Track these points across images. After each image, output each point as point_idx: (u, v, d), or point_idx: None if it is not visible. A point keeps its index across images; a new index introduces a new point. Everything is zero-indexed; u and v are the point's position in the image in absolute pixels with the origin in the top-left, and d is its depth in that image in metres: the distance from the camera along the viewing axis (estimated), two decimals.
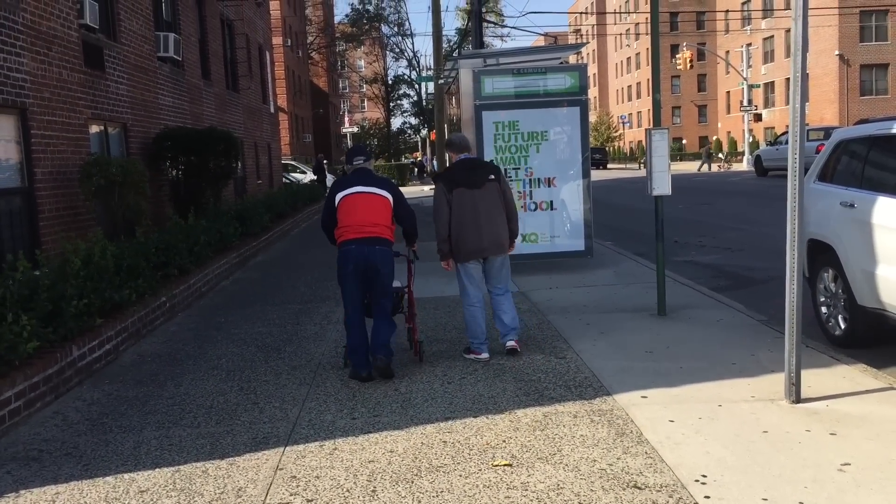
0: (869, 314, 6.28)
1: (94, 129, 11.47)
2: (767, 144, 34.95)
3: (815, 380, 5.48)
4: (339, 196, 6.18)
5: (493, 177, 6.53)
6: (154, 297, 8.22)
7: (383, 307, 6.20)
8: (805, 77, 5.05)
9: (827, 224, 6.74)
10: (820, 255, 6.94)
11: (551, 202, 10.54)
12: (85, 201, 10.02)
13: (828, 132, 29.11)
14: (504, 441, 4.65)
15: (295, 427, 5.06)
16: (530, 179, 10.48)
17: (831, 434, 4.57)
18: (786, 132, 32.56)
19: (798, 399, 5.11)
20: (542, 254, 10.63)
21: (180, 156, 13.46)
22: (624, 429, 4.76)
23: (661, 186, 7.64)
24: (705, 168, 46.94)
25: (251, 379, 6.22)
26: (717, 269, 11.00)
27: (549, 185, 10.52)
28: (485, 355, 6.45)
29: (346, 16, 70.65)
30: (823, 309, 7.05)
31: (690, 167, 55.41)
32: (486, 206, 6.43)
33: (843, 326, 6.76)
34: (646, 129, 7.68)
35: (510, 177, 10.41)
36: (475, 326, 6.50)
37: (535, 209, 10.52)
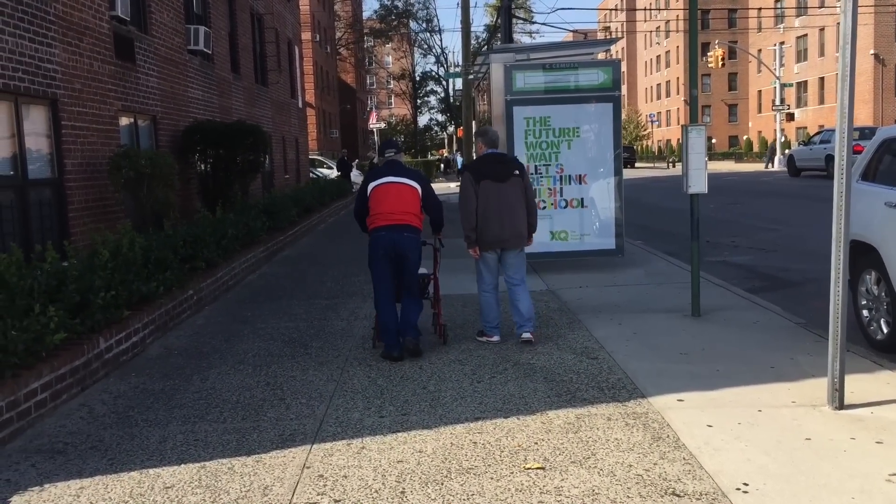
0: None
1: (124, 121, 11.48)
2: (800, 144, 34.36)
3: (857, 386, 5.29)
4: (371, 185, 6.60)
5: (517, 172, 6.84)
6: (181, 290, 8.18)
7: (411, 290, 6.63)
8: (853, 73, 4.86)
9: (870, 224, 6.53)
10: (862, 256, 6.72)
11: (582, 200, 10.38)
12: (114, 193, 10.02)
13: (863, 132, 28.60)
14: (536, 443, 4.52)
15: (322, 424, 4.97)
16: (561, 176, 10.32)
17: (878, 442, 4.40)
18: (819, 132, 32.09)
19: (841, 405, 4.93)
20: (572, 252, 10.46)
21: (209, 149, 13.47)
22: (660, 433, 4.61)
23: (697, 184, 7.45)
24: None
25: (277, 374, 6.14)
26: (750, 270, 10.77)
27: (580, 183, 10.35)
28: (496, 338, 6.88)
29: (375, 12, 70.66)
30: (865, 312, 6.83)
31: (721, 166, 54.78)
32: (509, 200, 6.73)
33: (885, 331, 6.54)
34: (682, 125, 7.50)
35: (540, 173, 10.26)
36: (489, 311, 6.90)
37: (566, 206, 10.36)
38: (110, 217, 10.13)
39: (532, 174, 10.20)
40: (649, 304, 8.33)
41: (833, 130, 29.47)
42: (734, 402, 5.11)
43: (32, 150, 8.89)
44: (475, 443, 4.56)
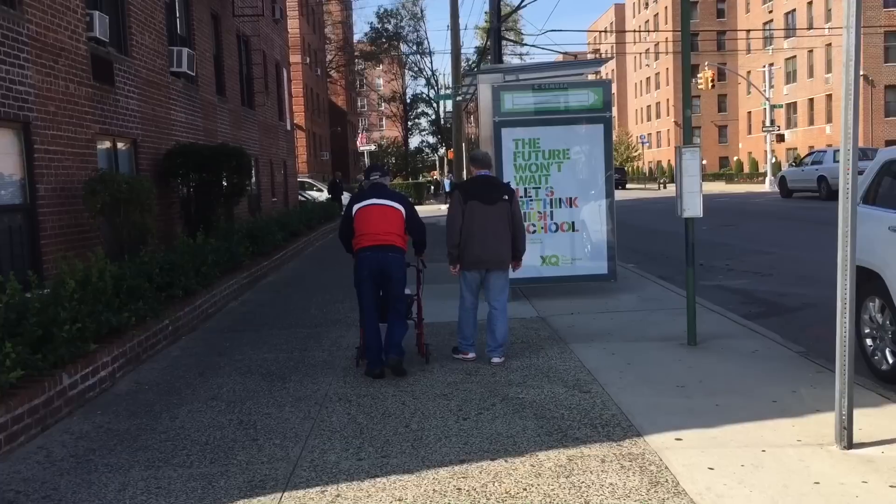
0: None
1: (103, 144, 11.17)
2: (792, 165, 34.25)
3: (865, 421, 4.98)
4: (356, 207, 6.80)
5: (506, 197, 6.96)
6: (156, 321, 7.83)
7: (396, 309, 6.76)
8: (857, 92, 4.59)
9: (873, 249, 6.25)
10: (864, 282, 6.42)
11: (573, 223, 10.09)
12: (90, 219, 9.68)
13: (864, 152, 28.47)
14: (525, 489, 4.19)
15: (295, 469, 4.62)
16: (551, 199, 10.03)
17: (891, 486, 4.09)
18: (810, 153, 32.00)
19: (850, 444, 4.62)
20: (563, 277, 10.16)
21: (191, 172, 13.15)
22: (658, 477, 4.29)
23: (692, 208, 7.17)
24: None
25: (252, 411, 5.79)
26: (746, 295, 10.48)
27: (571, 206, 10.07)
28: (471, 355, 7.02)
29: (366, 34, 70.84)
30: (868, 341, 6.53)
31: (712, 187, 54.71)
32: (494, 223, 6.86)
33: (891, 360, 6.25)
34: (676, 147, 7.23)
35: (530, 196, 9.98)
36: (466, 328, 7.07)
37: (556, 230, 10.07)
38: (86, 244, 9.78)
39: (522, 197, 9.92)
40: (643, 332, 8.03)
41: (825, 151, 29.43)
42: (736, 441, 4.79)
43: (3, 174, 8.58)
44: (460, 489, 4.23)
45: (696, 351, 7.16)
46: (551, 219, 10.06)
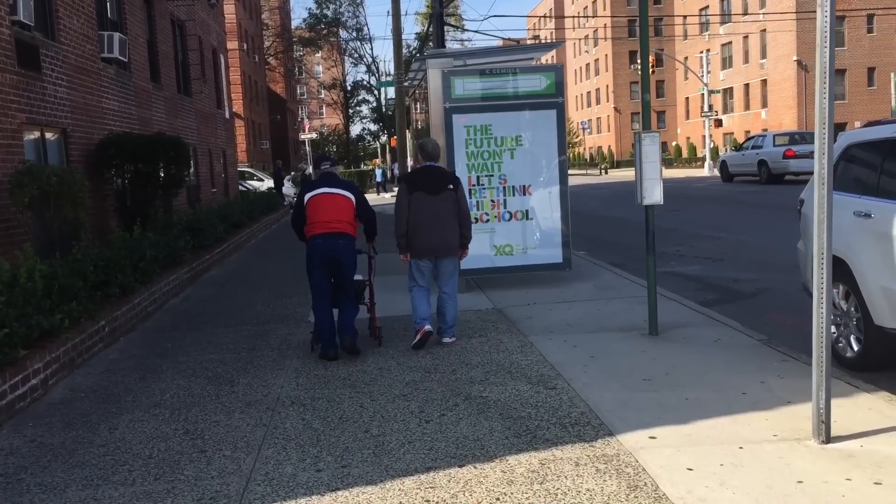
0: (889, 336, 5.68)
1: (30, 134, 10.53)
2: (733, 150, 34.71)
3: (838, 412, 4.83)
4: (307, 196, 7.00)
5: (451, 186, 7.13)
6: (91, 322, 7.36)
7: (347, 293, 7.01)
8: (832, 72, 4.42)
9: (838, 236, 6.12)
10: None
11: (526, 211, 9.87)
12: (17, 214, 9.08)
13: (793, 137, 28.99)
14: (498, 499, 3.93)
15: (249, 483, 4.29)
16: (504, 187, 9.79)
17: (876, 483, 3.94)
18: (751, 137, 32.45)
19: (828, 439, 4.47)
20: (517, 266, 9.93)
21: (126, 163, 12.55)
22: (636, 480, 4.07)
23: (652, 195, 6.99)
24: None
25: (199, 419, 5.42)
26: (700, 281, 10.42)
27: (524, 194, 9.84)
28: (427, 327, 7.07)
29: (304, 20, 69.58)
30: (832, 329, 6.45)
31: None
32: (441, 212, 7.03)
33: (855, 348, 6.18)
34: (635, 133, 7.04)
35: (483, 185, 9.72)
36: (419, 308, 7.14)
37: (510, 219, 9.83)
38: (13, 241, 9.19)
39: (475, 185, 9.67)
40: (603, 323, 7.85)
41: (765, 136, 29.88)
42: (712, 439, 4.61)
43: None
44: (428, 500, 3.95)
45: (658, 341, 7.00)
46: (504, 207, 9.82)
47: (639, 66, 41.35)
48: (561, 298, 9.21)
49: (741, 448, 4.45)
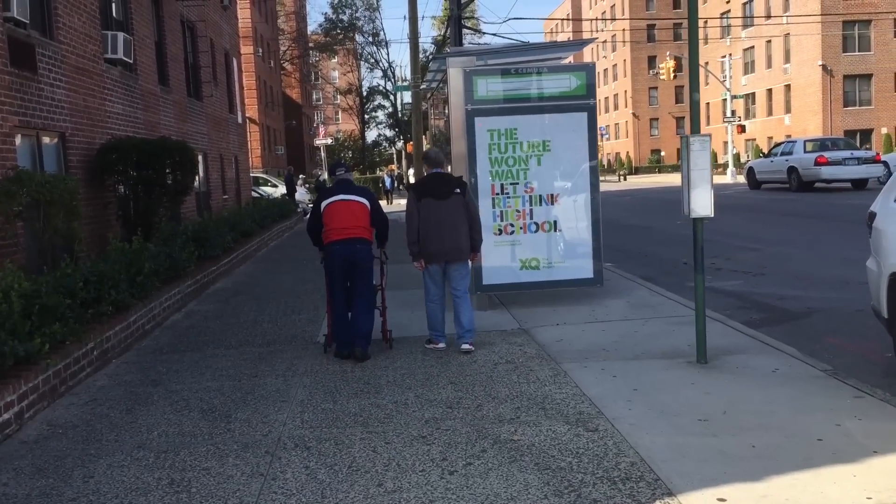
0: None
1: (23, 139, 9.88)
2: (762, 156, 33.68)
3: None
4: (324, 203, 7.21)
5: (458, 190, 7.24)
6: (77, 345, 6.66)
7: (364, 298, 7.14)
8: None
9: None
10: None
11: (554, 222, 9.11)
12: (4, 225, 8.42)
13: (824, 143, 28.03)
14: None
15: None
16: (530, 196, 9.04)
17: None
18: (780, 143, 31.45)
19: None
20: (544, 282, 9.16)
21: (130, 170, 11.88)
22: None
23: (702, 206, 6.23)
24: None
25: (187, 465, 4.69)
26: (742, 298, 9.61)
27: (552, 203, 9.09)
28: (442, 345, 7.26)
29: (320, 25, 69.19)
30: None
31: (673, 179, 54.37)
32: (450, 216, 7.13)
33: None
34: (682, 136, 6.27)
35: (507, 193, 8.98)
36: (434, 320, 7.30)
37: (537, 230, 9.07)
38: (2, 254, 8.52)
39: (498, 194, 8.94)
40: (642, 347, 7.07)
41: (794, 142, 28.93)
42: (794, 502, 3.84)
43: None
44: None
45: (708, 371, 6.22)
46: (531, 217, 9.07)
47: (661, 71, 40.41)
48: (593, 318, 8.44)
49: None
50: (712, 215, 6.30)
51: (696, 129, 6.27)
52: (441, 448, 4.77)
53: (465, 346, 7.08)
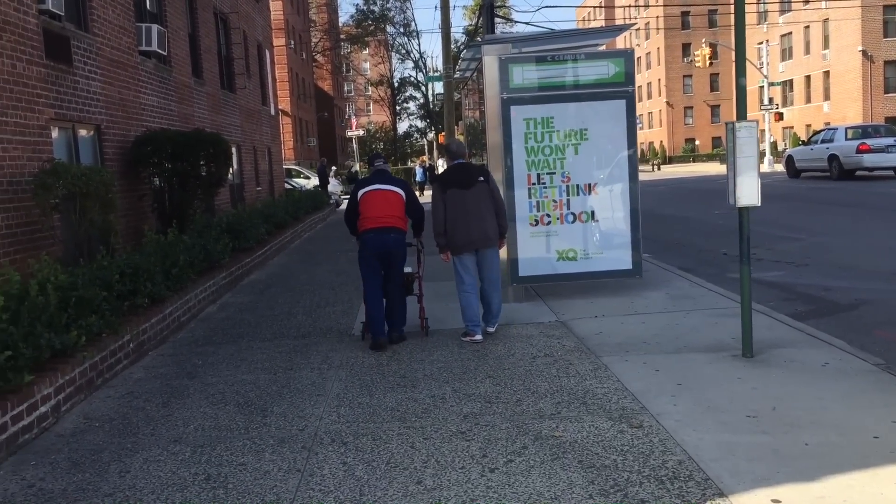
0: None
1: (59, 131, 9.92)
2: (801, 143, 32.96)
3: None
4: (360, 192, 7.36)
5: (482, 178, 7.32)
6: (114, 337, 6.65)
7: (398, 285, 7.34)
8: None
9: None
10: None
11: (592, 212, 8.93)
12: (40, 217, 8.44)
13: (866, 130, 27.37)
14: None
15: None
16: (567, 186, 8.87)
17: None
18: (820, 130, 30.79)
19: None
20: (582, 273, 8.99)
21: (165, 162, 11.89)
22: None
23: (748, 194, 6.03)
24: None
25: (223, 460, 4.63)
26: (786, 290, 9.35)
27: (589, 193, 8.91)
28: (479, 337, 7.23)
29: (351, 17, 69.21)
30: None
31: (708, 168, 53.66)
32: (476, 204, 7.21)
33: None
34: (727, 123, 6.08)
35: (544, 183, 8.82)
36: (469, 311, 7.28)
37: (574, 221, 8.90)
38: (39, 246, 8.56)
39: (534, 184, 8.78)
40: (684, 340, 6.89)
41: (835, 129, 28.31)
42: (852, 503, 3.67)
43: None
44: None
45: (754, 365, 6.03)
46: (567, 208, 8.90)
47: (697, 59, 39.78)
48: (632, 310, 8.26)
49: None
50: (758, 204, 6.10)
51: (741, 115, 6.06)
52: (481, 444, 4.65)
53: (490, 329, 7.42)
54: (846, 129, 27.50)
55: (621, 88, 8.79)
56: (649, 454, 4.37)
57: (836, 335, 6.83)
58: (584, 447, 4.52)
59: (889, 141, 25.85)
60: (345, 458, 4.56)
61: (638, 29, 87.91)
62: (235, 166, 18.91)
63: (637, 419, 4.95)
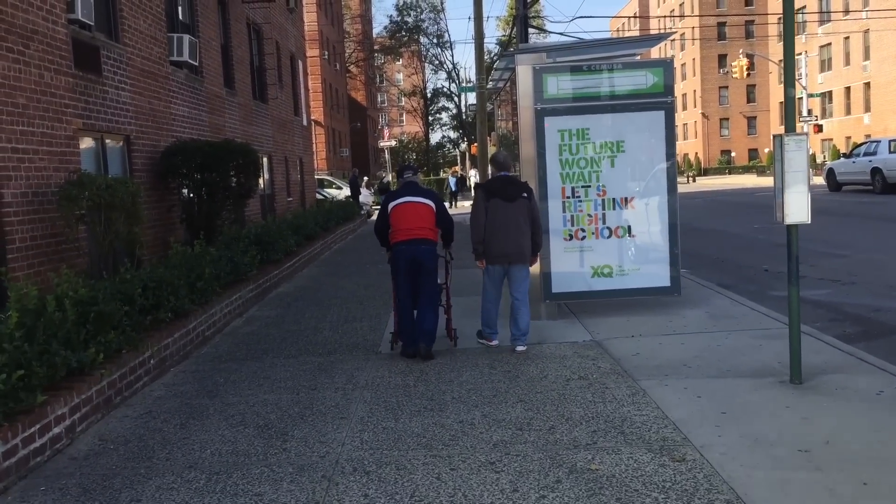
0: None
1: (88, 141, 9.83)
2: (843, 156, 32.15)
3: None
4: (391, 205, 7.41)
5: (525, 195, 7.35)
6: (134, 353, 6.47)
7: (428, 297, 7.27)
8: None
9: None
10: None
11: (628, 227, 8.61)
12: (66, 228, 8.32)
13: None
14: None
15: None
16: (603, 200, 8.56)
17: None
18: (862, 143, 30.04)
19: None
20: (618, 290, 8.67)
21: (194, 172, 11.78)
22: None
23: (798, 212, 5.69)
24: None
25: (238, 490, 4.39)
26: (834, 310, 8.94)
27: (625, 207, 8.59)
28: (495, 342, 7.52)
29: (385, 28, 69.38)
30: None
31: (744, 181, 52.82)
32: (515, 218, 7.26)
33: None
34: (774, 136, 5.74)
35: (578, 196, 8.52)
36: (488, 317, 7.52)
37: (609, 236, 8.59)
38: (64, 258, 8.45)
39: (569, 198, 8.49)
40: (727, 364, 6.53)
41: (878, 141, 27.57)
42: None
43: None
44: None
45: (803, 392, 5.67)
46: (603, 222, 8.59)
47: (734, 70, 39.11)
48: (670, 329, 7.92)
49: None
50: (808, 222, 5.75)
51: (790, 127, 5.73)
52: (511, 477, 4.36)
53: (521, 348, 7.29)
54: (890, 141, 26.73)
55: (660, 99, 8.49)
56: (693, 492, 4.05)
57: (890, 360, 6.43)
58: (622, 482, 4.21)
59: None
60: (366, 489, 4.30)
61: (674, 39, 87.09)
62: (266, 177, 18.84)
63: (679, 452, 4.62)
